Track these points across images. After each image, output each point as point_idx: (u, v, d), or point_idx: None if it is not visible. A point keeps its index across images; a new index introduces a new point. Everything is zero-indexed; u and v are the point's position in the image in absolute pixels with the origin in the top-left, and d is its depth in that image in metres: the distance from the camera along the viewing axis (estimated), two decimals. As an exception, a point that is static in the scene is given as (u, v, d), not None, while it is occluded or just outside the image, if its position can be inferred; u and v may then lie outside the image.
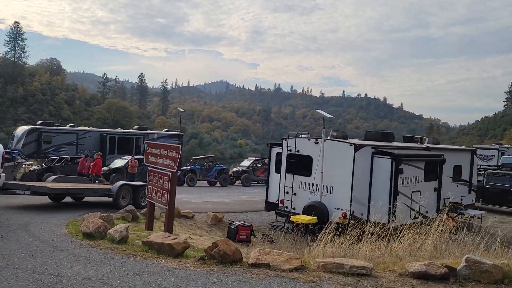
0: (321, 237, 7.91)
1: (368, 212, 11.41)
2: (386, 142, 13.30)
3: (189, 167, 24.71)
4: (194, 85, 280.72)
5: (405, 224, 11.40)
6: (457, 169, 15.34)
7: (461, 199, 15.58)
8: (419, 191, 12.21)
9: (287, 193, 12.26)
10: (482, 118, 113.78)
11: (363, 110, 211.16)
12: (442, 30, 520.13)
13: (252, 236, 11.36)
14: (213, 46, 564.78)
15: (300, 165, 12.08)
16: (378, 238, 8.34)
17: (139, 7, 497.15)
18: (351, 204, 10.92)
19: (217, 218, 12.14)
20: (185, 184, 23.27)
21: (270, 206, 13.30)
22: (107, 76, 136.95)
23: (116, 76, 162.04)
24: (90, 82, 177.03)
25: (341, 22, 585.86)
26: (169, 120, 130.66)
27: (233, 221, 11.44)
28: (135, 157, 21.44)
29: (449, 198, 14.83)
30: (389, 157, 11.21)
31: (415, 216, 12.06)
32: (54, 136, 25.69)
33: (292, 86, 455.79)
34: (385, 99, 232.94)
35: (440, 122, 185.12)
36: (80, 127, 30.95)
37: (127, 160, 21.63)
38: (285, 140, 12.42)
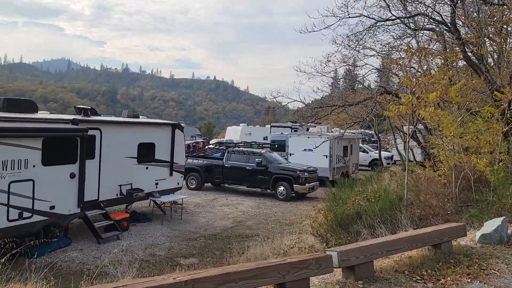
0: None
1: None
2: (15, 113, 9.55)
3: None
4: (31, 62, 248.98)
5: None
6: (147, 148, 12.47)
7: (156, 184, 12.83)
8: (32, 179, 8.73)
9: None
10: (312, 101, 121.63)
11: (212, 93, 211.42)
12: (284, 18, 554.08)
13: None
14: (53, 20, 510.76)
15: None
16: None
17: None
18: None
19: None
20: None
21: None
22: None
23: None
24: None
25: (190, 4, 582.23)
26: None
27: None
28: None
29: (129, 184, 11.95)
30: None
31: (20, 215, 8.56)
32: None
33: (141, 66, 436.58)
34: (233, 82, 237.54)
35: (281, 105, 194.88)
36: None
37: None
38: None
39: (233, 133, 39.61)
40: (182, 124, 15.29)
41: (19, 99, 10.37)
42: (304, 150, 19.86)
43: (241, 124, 43.34)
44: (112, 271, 8.51)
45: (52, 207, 9.22)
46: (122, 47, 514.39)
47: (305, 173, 16.44)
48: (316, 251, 8.31)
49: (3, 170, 8.21)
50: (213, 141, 33.85)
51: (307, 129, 33.84)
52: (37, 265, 7.93)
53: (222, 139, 39.14)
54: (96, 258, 9.28)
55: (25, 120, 9.18)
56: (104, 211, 10.90)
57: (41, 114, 10.84)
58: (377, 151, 26.39)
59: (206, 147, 25.69)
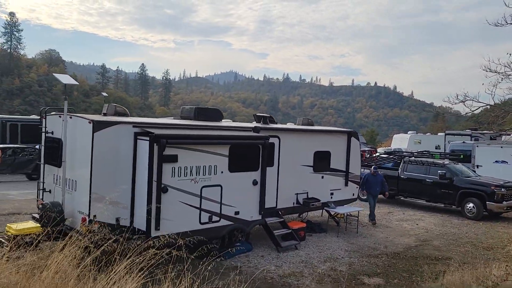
0: None
1: (133, 216, 8.35)
2: (204, 121, 10.13)
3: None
4: (204, 76, 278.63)
5: (189, 231, 8.40)
6: (322, 156, 12.02)
7: (331, 194, 12.31)
8: (220, 185, 9.01)
9: (44, 189, 9.24)
10: (491, 106, 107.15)
11: (373, 99, 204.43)
12: (454, 14, 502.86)
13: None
14: (222, 37, 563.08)
15: (52, 151, 9.02)
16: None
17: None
18: (90, 205, 7.82)
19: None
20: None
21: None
22: (106, 67, 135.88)
23: (118, 67, 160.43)
24: (99, 74, 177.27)
25: (350, 9, 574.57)
26: (171, 111, 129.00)
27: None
28: (0, 146, 18.77)
29: (305, 192, 11.68)
30: (147, 138, 8.05)
31: (210, 219, 8.89)
32: None
33: (301, 75, 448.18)
34: (395, 87, 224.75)
35: (451, 110, 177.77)
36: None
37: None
38: (43, 119, 9.35)
39: (400, 141, 37.14)
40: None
41: (207, 108, 10.98)
42: (496, 161, 17.17)
43: (409, 132, 40.45)
44: (295, 282, 8.23)
45: (237, 213, 9.39)
46: (283, 57, 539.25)
47: (502, 189, 13.97)
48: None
49: (196, 175, 8.62)
50: (380, 149, 32.17)
51: (492, 138, 29.62)
52: (224, 268, 8.05)
53: (388, 147, 37.03)
54: (278, 267, 9.11)
55: (214, 128, 9.59)
56: (282, 219, 10.78)
57: (226, 122, 11.32)
58: None
59: (375, 155, 24.36)
